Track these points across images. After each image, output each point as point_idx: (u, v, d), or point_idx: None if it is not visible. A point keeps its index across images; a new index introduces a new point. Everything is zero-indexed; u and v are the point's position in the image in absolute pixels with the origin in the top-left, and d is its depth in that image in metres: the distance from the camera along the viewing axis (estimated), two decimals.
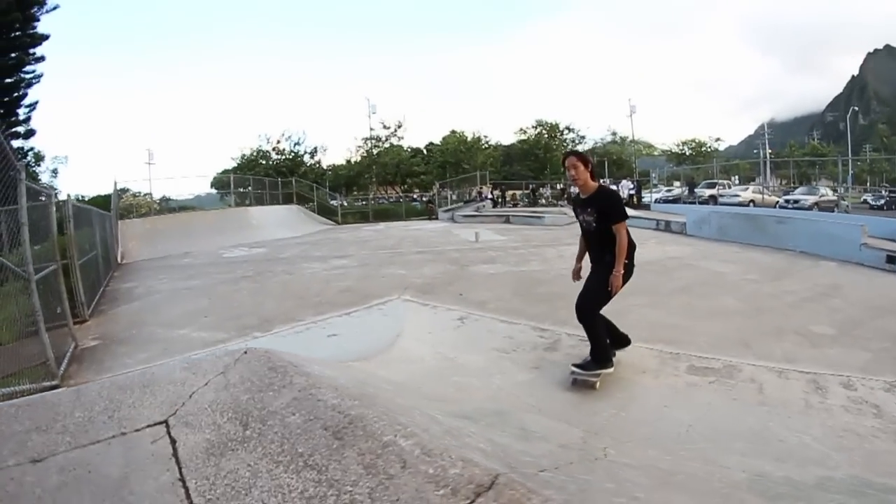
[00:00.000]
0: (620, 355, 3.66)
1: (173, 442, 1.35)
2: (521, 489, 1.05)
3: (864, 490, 1.97)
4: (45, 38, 21.28)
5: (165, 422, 1.45)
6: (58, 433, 1.49)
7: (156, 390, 1.70)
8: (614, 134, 51.83)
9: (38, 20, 20.90)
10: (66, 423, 1.55)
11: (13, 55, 19.63)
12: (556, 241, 12.20)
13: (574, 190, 4.08)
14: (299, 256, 11.75)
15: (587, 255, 3.71)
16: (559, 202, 29.53)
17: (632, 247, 3.49)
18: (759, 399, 2.99)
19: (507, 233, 15.18)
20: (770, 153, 50.30)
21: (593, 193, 3.53)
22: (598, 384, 3.31)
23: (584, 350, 3.73)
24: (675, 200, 25.29)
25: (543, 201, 31.66)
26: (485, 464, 1.16)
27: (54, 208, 6.32)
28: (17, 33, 19.27)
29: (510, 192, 33.89)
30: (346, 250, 12.30)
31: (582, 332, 3.95)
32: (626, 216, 3.50)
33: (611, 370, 3.41)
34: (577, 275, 3.78)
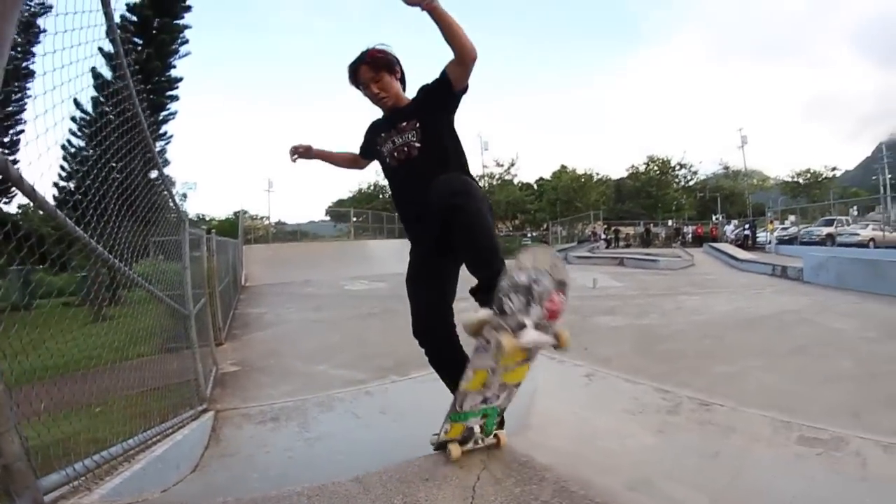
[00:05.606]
0: (737, 423, 3.77)
1: None
2: None
3: None
4: (180, 80, 23.35)
5: None
6: None
7: None
8: (726, 168, 49.42)
9: (175, 66, 22.94)
10: None
11: (153, 97, 20.90)
12: (673, 289, 12.10)
13: None
14: None
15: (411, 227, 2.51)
16: (673, 243, 29.51)
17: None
18: (862, 475, 3.03)
19: (623, 278, 14.81)
20: (889, 178, 41.79)
21: (408, 103, 2.45)
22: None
23: (704, 415, 3.80)
24: (791, 240, 23.58)
25: (657, 242, 31.46)
26: None
27: (205, 246, 7.16)
28: (157, 79, 21.34)
29: (624, 232, 34.01)
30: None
31: (702, 396, 3.95)
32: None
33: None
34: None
